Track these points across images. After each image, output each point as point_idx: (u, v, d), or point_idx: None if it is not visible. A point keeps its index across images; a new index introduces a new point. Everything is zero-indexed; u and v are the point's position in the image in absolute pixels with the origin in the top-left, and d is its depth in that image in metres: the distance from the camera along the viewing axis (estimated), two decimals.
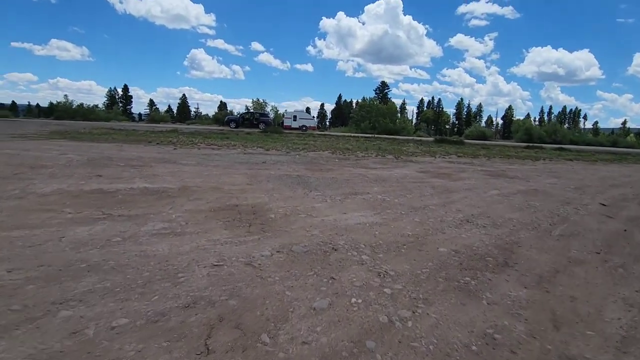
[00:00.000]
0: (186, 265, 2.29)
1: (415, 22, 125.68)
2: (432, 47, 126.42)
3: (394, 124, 48.43)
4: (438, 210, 4.43)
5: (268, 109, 48.59)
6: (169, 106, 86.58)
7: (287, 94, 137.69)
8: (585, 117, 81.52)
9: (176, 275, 2.14)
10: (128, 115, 71.14)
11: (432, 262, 2.70)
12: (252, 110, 38.54)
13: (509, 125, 70.48)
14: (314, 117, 70.98)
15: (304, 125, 34.63)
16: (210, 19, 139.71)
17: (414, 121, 77.81)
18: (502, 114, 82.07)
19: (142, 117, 74.61)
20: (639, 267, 2.90)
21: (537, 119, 76.84)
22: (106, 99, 74.71)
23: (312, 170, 7.37)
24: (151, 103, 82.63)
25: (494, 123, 79.10)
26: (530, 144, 28.72)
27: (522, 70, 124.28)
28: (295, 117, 35.42)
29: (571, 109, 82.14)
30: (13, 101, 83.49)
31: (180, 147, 11.16)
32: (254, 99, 49.66)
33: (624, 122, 77.35)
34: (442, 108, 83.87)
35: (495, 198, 5.58)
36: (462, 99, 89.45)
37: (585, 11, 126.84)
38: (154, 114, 65.51)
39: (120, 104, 75.62)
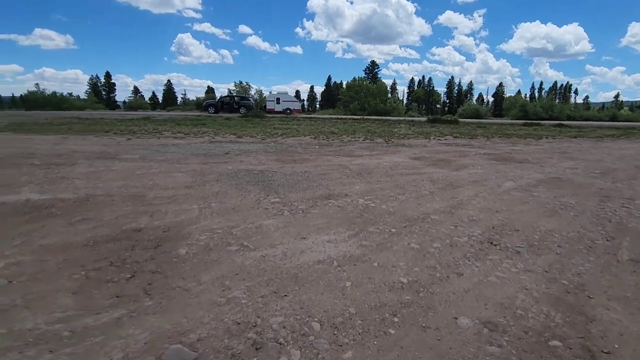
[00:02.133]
0: None
1: (404, 0, 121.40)
2: (421, 26, 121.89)
3: (385, 105, 46.18)
4: (444, 223, 3.06)
5: (252, 92, 45.86)
6: (153, 93, 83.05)
7: (278, 78, 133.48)
8: (576, 92, 79.79)
9: None
10: (111, 103, 68.05)
11: None
12: (232, 94, 36.11)
13: (500, 102, 68.67)
14: (303, 99, 68.70)
15: (288, 108, 32.45)
16: (195, 2, 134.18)
17: (405, 101, 75.96)
18: (492, 91, 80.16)
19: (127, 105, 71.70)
20: None
21: (527, 96, 74.99)
22: (88, 87, 71.25)
23: (283, 162, 5.94)
24: (135, 90, 79.10)
25: (485, 101, 77.59)
26: (528, 121, 27.39)
27: (511, 47, 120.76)
28: (278, 99, 32.94)
29: (562, 84, 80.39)
30: None
31: (139, 136, 9.61)
32: (236, 82, 46.68)
33: (617, 95, 75.65)
34: (433, 87, 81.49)
35: (515, 194, 4.23)
36: (452, 77, 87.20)
37: None
38: (132, 101, 62.69)
39: (104, 93, 72.28)
